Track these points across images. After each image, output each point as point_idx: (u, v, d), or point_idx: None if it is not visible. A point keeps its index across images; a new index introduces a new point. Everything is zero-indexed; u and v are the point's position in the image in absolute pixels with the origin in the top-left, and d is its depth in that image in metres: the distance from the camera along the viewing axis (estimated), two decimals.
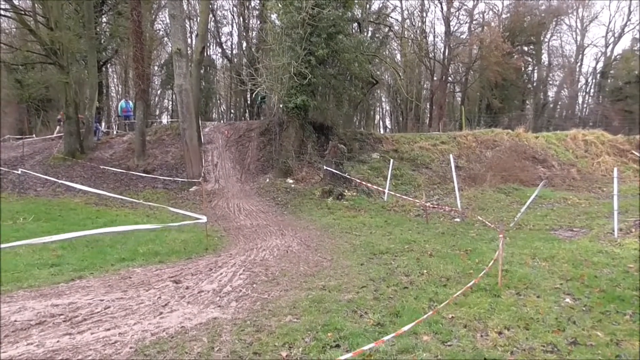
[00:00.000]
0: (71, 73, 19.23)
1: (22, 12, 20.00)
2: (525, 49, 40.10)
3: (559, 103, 45.77)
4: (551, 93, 44.94)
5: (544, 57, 42.10)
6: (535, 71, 42.26)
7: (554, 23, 39.90)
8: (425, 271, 6.90)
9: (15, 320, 4.66)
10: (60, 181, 16.40)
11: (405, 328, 4.15)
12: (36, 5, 20.02)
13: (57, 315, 4.85)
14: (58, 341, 4.22)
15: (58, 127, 23.91)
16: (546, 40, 41.26)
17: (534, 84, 42.43)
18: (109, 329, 4.52)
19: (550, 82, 43.73)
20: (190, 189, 16.96)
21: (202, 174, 17.85)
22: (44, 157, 19.63)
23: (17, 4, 21.08)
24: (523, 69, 38.69)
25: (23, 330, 4.44)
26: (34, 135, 27.15)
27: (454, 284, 6.18)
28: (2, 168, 17.64)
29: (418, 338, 4.45)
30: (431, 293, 5.82)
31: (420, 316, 4.75)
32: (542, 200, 15.18)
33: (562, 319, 4.98)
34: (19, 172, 16.83)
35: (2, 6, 19.07)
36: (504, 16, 39.22)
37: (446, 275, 6.66)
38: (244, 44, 37.22)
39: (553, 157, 21.38)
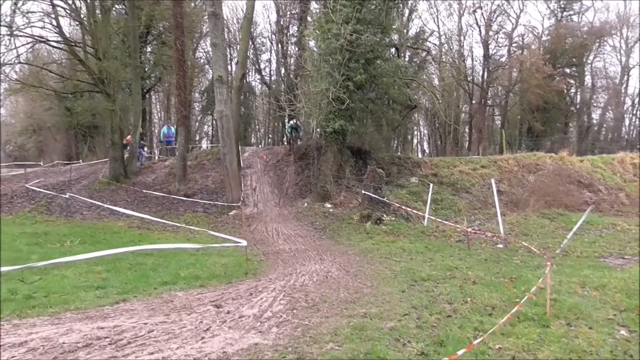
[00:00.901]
0: (117, 101, 19.98)
1: (73, 44, 20.98)
2: (568, 70, 39.23)
3: (604, 125, 44.37)
4: (595, 115, 43.63)
5: (587, 79, 41.07)
6: (579, 93, 41.24)
7: (597, 44, 39.00)
8: (469, 299, 6.71)
9: (64, 343, 4.76)
10: (105, 205, 16.89)
11: (453, 358, 4.03)
12: (86, 37, 20.99)
13: (103, 338, 4.92)
14: None
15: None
16: (589, 61, 40.32)
17: (577, 107, 41.33)
18: (152, 353, 4.55)
19: (595, 104, 42.48)
20: (230, 213, 17.17)
21: (242, 198, 18.06)
22: (90, 182, 20.30)
23: (68, 36, 22.11)
24: (565, 91, 37.76)
25: (71, 353, 4.51)
26: (80, 161, 28.18)
27: (500, 313, 5.97)
28: (50, 192, 18.33)
29: None
30: (476, 322, 5.63)
31: (466, 346, 4.61)
32: (589, 226, 14.64)
33: (617, 352, 4.73)
34: (67, 196, 17.45)
35: (55, 38, 20.08)
36: (544, 38, 38.66)
37: (491, 303, 6.45)
38: (283, 71, 37.87)
39: (599, 182, 20.67)
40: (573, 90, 40.64)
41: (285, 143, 27.77)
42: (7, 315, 5.89)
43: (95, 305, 6.44)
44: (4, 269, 6.59)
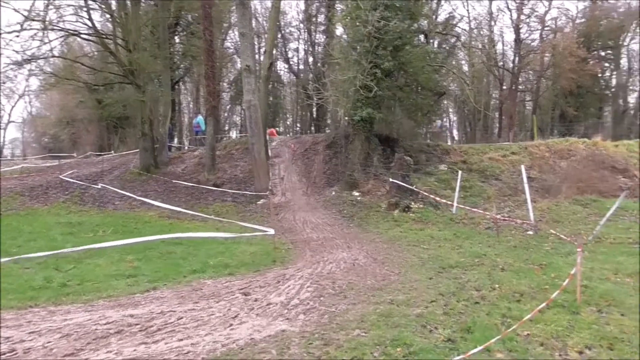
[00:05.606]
0: (147, 92, 20.27)
1: (104, 36, 21.35)
2: (603, 54, 38.02)
3: None
4: (632, 99, 42.10)
5: (624, 62, 39.76)
6: (614, 77, 39.96)
7: (633, 25, 37.61)
8: (497, 286, 6.65)
9: (96, 329, 4.93)
10: (137, 197, 17.26)
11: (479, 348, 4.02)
12: (116, 29, 21.35)
13: (134, 325, 5.08)
14: (135, 350, 4.41)
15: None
16: (625, 43, 38.97)
17: (613, 90, 40.10)
18: (181, 340, 4.68)
19: (631, 88, 41.09)
20: (258, 202, 17.31)
21: (270, 187, 18.19)
22: (121, 172, 20.75)
23: (100, 29, 22.51)
24: (600, 75, 36.63)
25: (103, 339, 4.68)
26: (112, 152, 28.82)
27: (529, 300, 5.92)
28: (83, 183, 18.82)
29: (491, 355, 4.28)
30: (504, 309, 5.59)
31: (493, 332, 4.59)
32: (624, 212, 14.22)
33: None
34: (99, 186, 17.89)
35: (87, 31, 20.45)
36: (578, 21, 37.48)
37: (519, 290, 6.39)
38: (310, 59, 37.84)
39: (635, 167, 20.02)
40: (608, 73, 39.42)
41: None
42: (43, 302, 6.14)
43: (126, 293, 6.64)
44: (39, 254, 6.81)
